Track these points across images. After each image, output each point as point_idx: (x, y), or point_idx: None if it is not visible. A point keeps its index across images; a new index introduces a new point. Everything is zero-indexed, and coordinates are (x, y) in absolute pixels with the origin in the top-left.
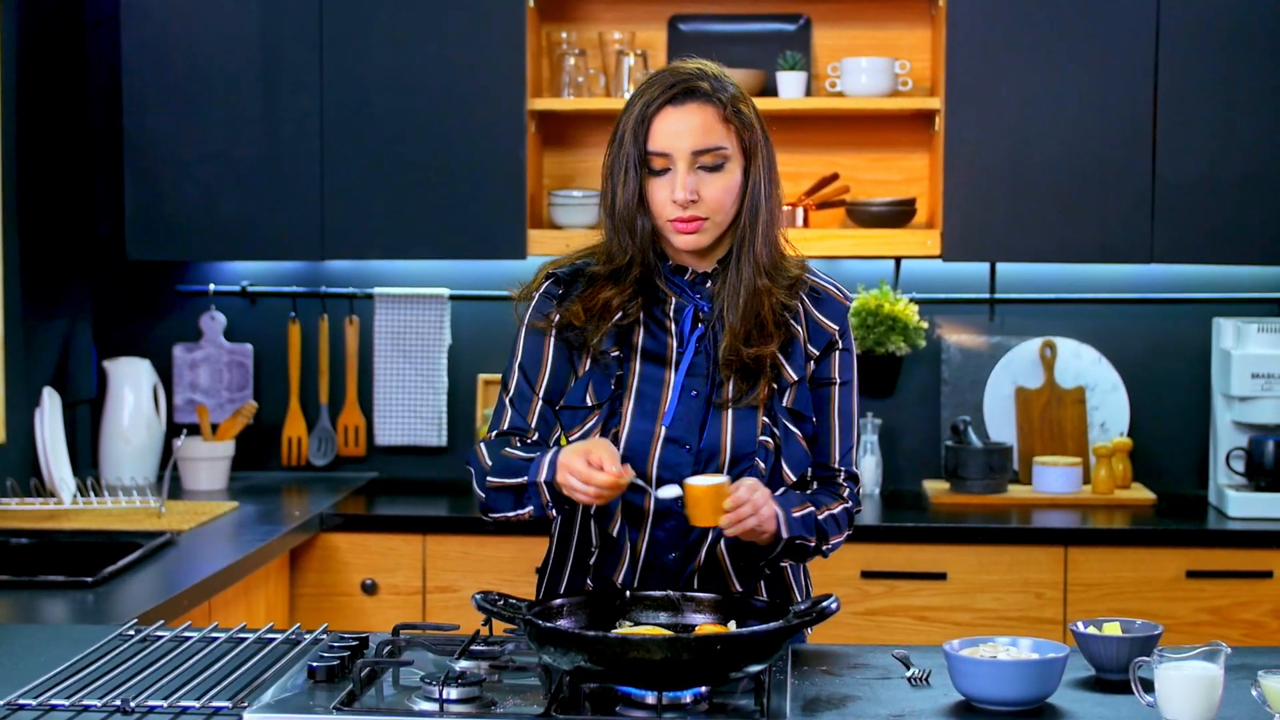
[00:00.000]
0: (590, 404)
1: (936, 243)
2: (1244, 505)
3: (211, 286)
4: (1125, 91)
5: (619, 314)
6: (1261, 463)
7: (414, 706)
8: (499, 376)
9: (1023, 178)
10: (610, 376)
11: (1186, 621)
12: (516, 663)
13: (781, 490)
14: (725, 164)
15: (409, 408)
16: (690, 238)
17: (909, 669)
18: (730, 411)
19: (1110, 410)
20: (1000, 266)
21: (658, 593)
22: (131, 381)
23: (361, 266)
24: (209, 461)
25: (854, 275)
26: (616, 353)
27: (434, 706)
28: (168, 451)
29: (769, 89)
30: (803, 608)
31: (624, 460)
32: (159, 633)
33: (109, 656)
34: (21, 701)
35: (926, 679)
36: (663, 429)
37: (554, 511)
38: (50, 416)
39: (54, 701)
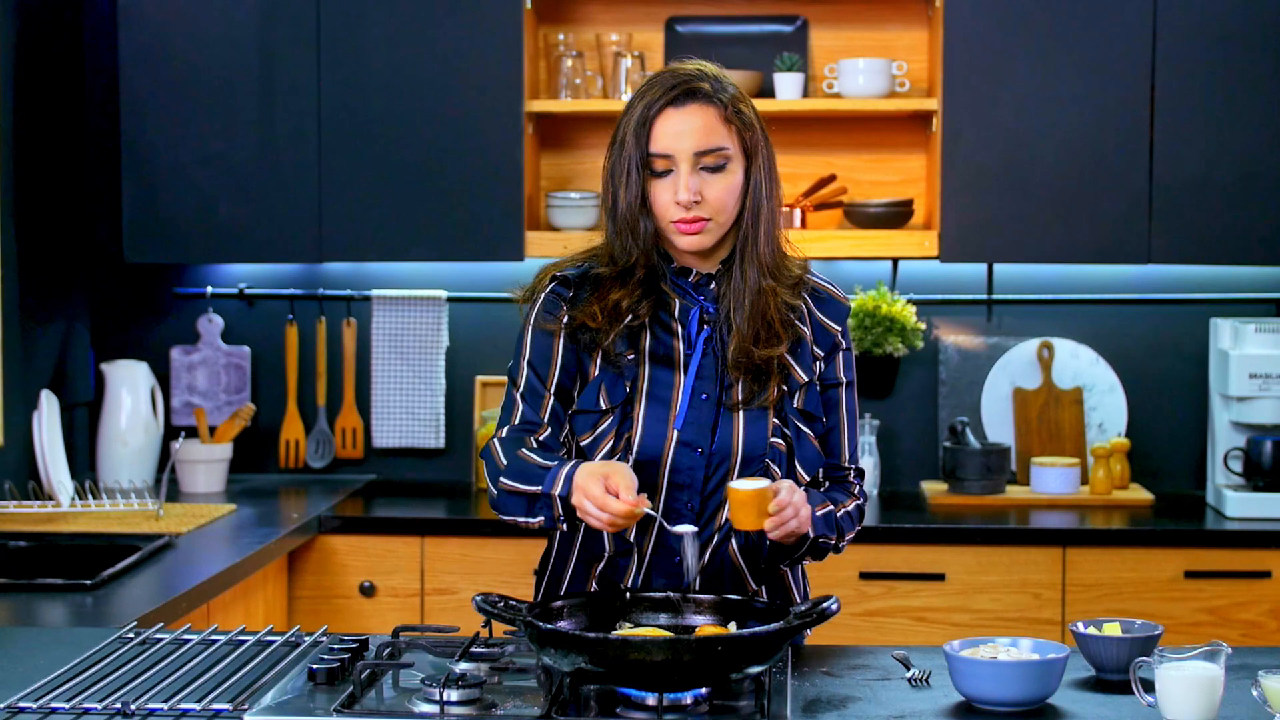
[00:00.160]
0: (605, 407)
1: (934, 244)
2: (1242, 505)
3: (209, 289)
4: (1122, 92)
5: (629, 316)
6: (1259, 463)
7: (414, 709)
8: (497, 378)
9: (1020, 179)
10: (624, 379)
11: (1185, 622)
12: (517, 664)
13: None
14: (727, 164)
15: (407, 410)
16: (693, 238)
17: (909, 670)
18: (741, 414)
19: (1108, 411)
20: (997, 267)
21: (658, 594)
22: (129, 384)
23: (359, 269)
24: (207, 464)
25: (851, 276)
26: (632, 355)
27: (434, 708)
28: (165, 454)
29: (766, 90)
30: (803, 609)
31: (637, 463)
32: (158, 635)
33: (109, 659)
34: (22, 705)
35: (927, 680)
36: (675, 432)
37: (565, 526)
38: (48, 419)
39: (54, 705)
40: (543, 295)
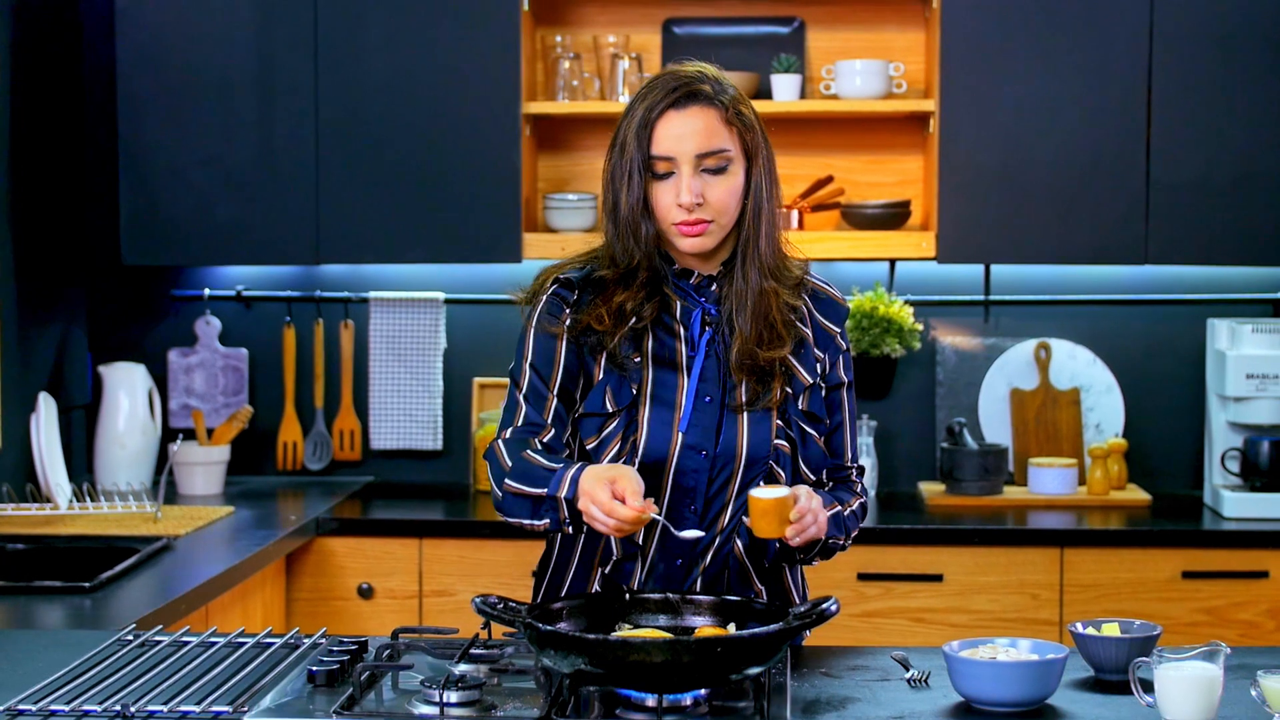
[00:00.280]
0: (611, 409)
1: (931, 245)
2: (1239, 505)
3: (206, 291)
4: (1119, 93)
5: (633, 318)
6: (1256, 463)
7: (414, 710)
8: (495, 380)
9: (1017, 179)
10: (630, 382)
11: (1182, 622)
12: (516, 666)
13: None
14: (728, 166)
15: (404, 412)
16: (695, 240)
17: (908, 670)
18: (745, 415)
19: (1105, 411)
20: (995, 268)
21: (657, 595)
22: (127, 386)
23: (356, 271)
24: (204, 466)
25: (849, 277)
26: (638, 357)
27: (434, 710)
28: (163, 456)
29: (763, 91)
30: (802, 610)
31: (642, 466)
32: (157, 638)
33: (108, 662)
34: (21, 707)
35: (926, 680)
36: (680, 435)
37: (570, 529)
38: (46, 422)
39: (54, 707)
40: (545, 297)
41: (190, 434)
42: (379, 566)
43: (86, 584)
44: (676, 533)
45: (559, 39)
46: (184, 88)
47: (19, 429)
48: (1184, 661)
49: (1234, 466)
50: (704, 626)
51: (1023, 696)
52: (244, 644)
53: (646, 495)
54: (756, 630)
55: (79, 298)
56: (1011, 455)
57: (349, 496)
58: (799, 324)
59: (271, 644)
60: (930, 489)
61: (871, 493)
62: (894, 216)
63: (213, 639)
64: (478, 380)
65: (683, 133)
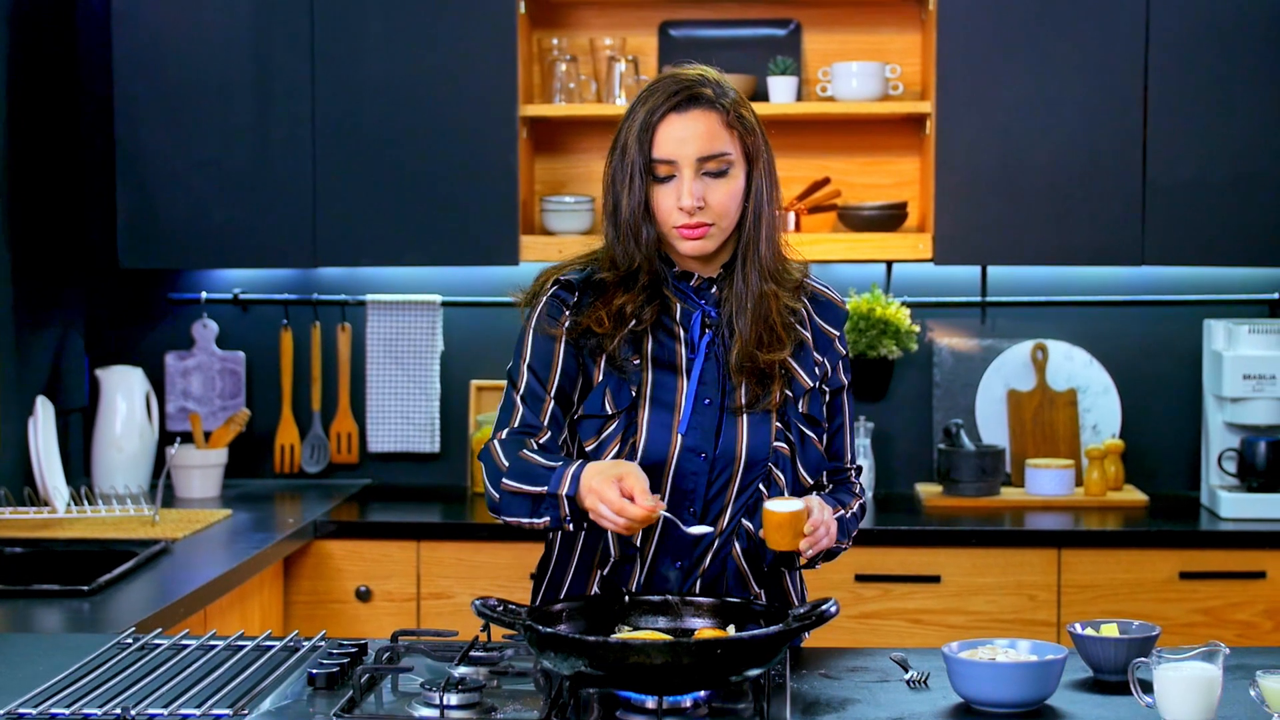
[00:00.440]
0: (611, 411)
1: (928, 246)
2: (1236, 506)
3: (203, 294)
4: (1116, 94)
5: (633, 320)
6: (1253, 463)
7: (414, 713)
8: (492, 382)
9: (1014, 181)
10: (630, 384)
11: (1180, 622)
12: (516, 668)
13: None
14: (729, 169)
15: (402, 414)
16: (696, 243)
17: (907, 672)
18: (745, 417)
19: (1102, 412)
20: (991, 269)
21: (656, 597)
22: (124, 390)
23: (354, 273)
24: (202, 469)
25: (846, 279)
26: (637, 360)
27: (434, 713)
28: (160, 460)
29: (760, 94)
30: (802, 611)
31: (641, 468)
32: (157, 641)
33: (108, 665)
34: (22, 711)
35: (925, 681)
36: (679, 437)
37: (571, 527)
38: (43, 425)
39: (54, 711)
40: (545, 299)
41: (187, 437)
42: (377, 569)
43: (85, 587)
44: (685, 529)
45: (556, 41)
46: (181, 90)
47: (16, 432)
48: (1183, 662)
49: (1231, 467)
50: (703, 628)
51: (1022, 697)
52: (243, 647)
53: (654, 493)
54: (756, 632)
55: (76, 301)
56: (1009, 456)
57: (346, 499)
58: (799, 327)
59: (271, 647)
60: (927, 490)
61: (869, 494)
62: (891, 218)
63: (212, 642)
64: (475, 383)
65: (684, 136)
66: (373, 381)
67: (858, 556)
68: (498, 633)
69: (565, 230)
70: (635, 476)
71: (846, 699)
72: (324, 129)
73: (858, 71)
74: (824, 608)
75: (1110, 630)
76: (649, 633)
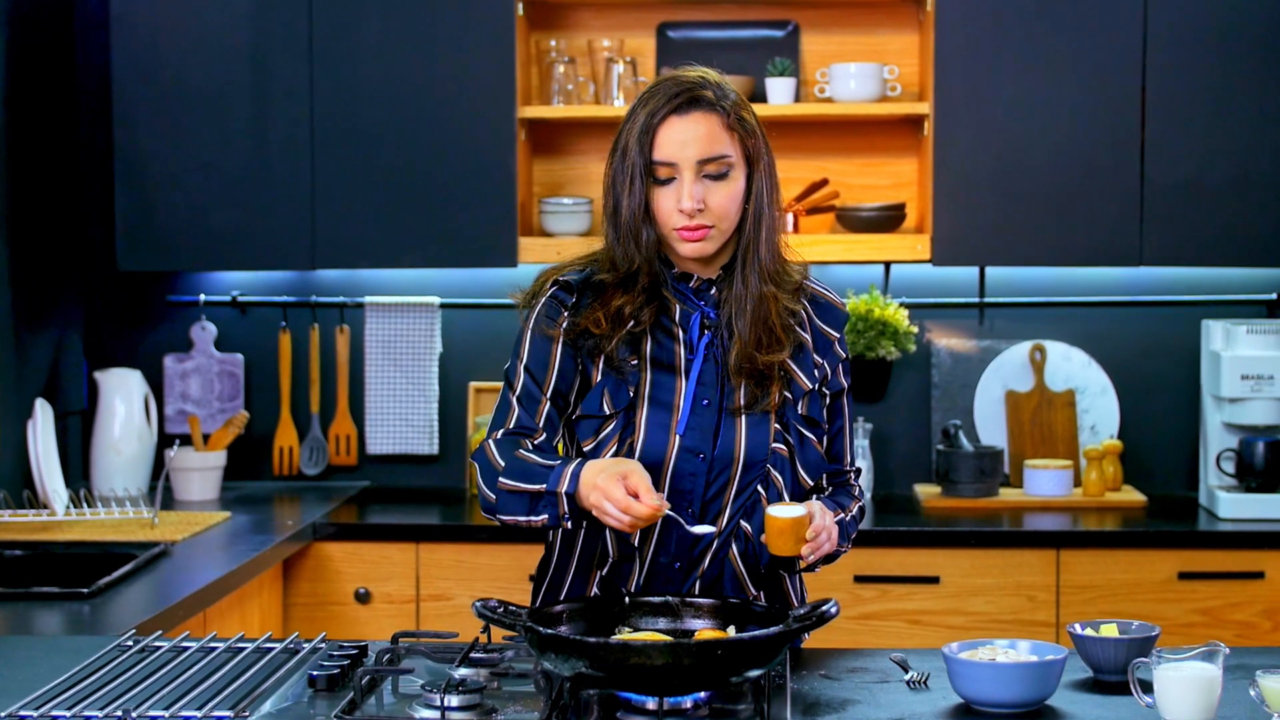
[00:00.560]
0: (608, 411)
1: (926, 247)
2: (1235, 506)
3: (202, 297)
4: (1114, 95)
5: (631, 322)
6: (1252, 464)
7: (415, 715)
8: (491, 384)
9: (1012, 182)
10: (628, 385)
11: (1179, 623)
12: (516, 670)
13: None
14: (730, 172)
15: (400, 416)
16: (696, 245)
17: (907, 672)
18: (743, 419)
19: (1100, 413)
20: (989, 270)
21: (656, 598)
22: (123, 392)
23: (352, 275)
24: (201, 472)
25: (844, 280)
26: (635, 361)
27: (435, 714)
28: (159, 462)
29: (758, 95)
30: (802, 612)
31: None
32: (157, 643)
33: (108, 667)
34: (23, 713)
35: (925, 682)
36: (677, 438)
37: (570, 524)
38: (42, 428)
39: (55, 713)
40: (544, 300)
41: (186, 439)
42: (376, 571)
43: (85, 590)
44: (689, 528)
45: (554, 43)
46: (179, 93)
47: (15, 435)
48: (1183, 662)
49: (1229, 467)
50: (704, 629)
51: (1022, 698)
52: (244, 649)
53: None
54: (756, 633)
55: (75, 304)
56: (1007, 457)
57: (345, 501)
58: (798, 328)
59: (271, 649)
60: (926, 491)
61: (868, 495)
62: (889, 219)
63: (213, 644)
64: (473, 385)
65: (685, 138)
66: (371, 383)
67: (857, 557)
68: (498, 634)
69: (564, 232)
70: (639, 474)
71: (847, 700)
72: (322, 131)
73: (856, 73)
74: (824, 609)
75: (1110, 630)
76: (649, 634)
